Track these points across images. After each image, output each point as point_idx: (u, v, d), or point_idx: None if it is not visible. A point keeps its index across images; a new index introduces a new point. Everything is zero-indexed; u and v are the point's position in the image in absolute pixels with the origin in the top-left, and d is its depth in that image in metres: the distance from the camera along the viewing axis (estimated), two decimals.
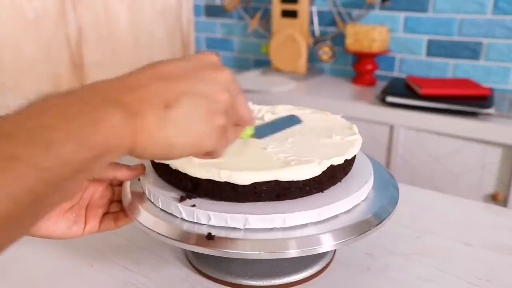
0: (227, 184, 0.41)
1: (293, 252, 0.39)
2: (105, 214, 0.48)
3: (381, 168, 0.54)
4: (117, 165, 0.46)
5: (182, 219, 0.43)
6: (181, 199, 0.43)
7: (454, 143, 1.27)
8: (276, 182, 0.41)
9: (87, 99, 0.29)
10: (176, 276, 0.49)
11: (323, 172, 0.43)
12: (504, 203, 1.22)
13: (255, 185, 0.41)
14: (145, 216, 0.44)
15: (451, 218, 0.62)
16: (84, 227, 0.46)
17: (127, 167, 0.46)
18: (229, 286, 0.47)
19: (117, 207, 0.49)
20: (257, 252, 0.39)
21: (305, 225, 0.41)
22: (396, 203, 0.47)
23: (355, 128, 0.52)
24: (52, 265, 0.52)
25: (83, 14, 1.66)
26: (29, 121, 0.26)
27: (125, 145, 0.30)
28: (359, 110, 1.37)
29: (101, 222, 0.47)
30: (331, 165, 0.44)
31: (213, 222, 0.41)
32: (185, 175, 0.43)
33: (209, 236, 0.40)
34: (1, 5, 1.43)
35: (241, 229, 0.41)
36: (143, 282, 0.49)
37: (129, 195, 0.47)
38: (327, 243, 0.40)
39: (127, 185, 0.49)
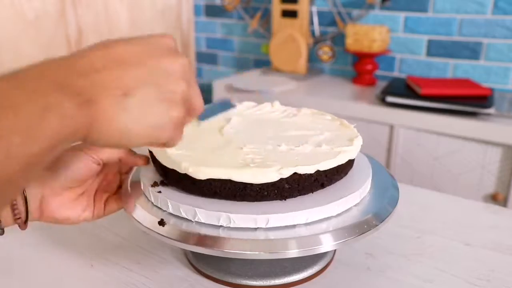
0: (186, 176, 0.42)
1: (293, 252, 0.39)
2: (108, 197, 0.50)
3: (381, 168, 0.54)
4: (124, 150, 0.48)
5: (181, 218, 0.43)
6: (153, 185, 0.46)
7: (454, 143, 1.27)
8: (231, 182, 0.42)
9: (35, 85, 0.26)
10: (176, 276, 0.49)
11: (285, 179, 0.42)
12: (504, 203, 1.22)
13: (210, 181, 0.42)
14: (144, 216, 0.44)
15: (451, 218, 0.62)
16: (93, 211, 0.48)
17: (134, 152, 0.49)
18: (229, 286, 0.47)
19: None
20: (257, 252, 0.39)
21: (305, 225, 0.41)
22: (396, 203, 0.47)
23: (356, 141, 0.49)
24: (52, 265, 0.52)
25: (83, 14, 1.66)
26: None
27: (79, 134, 0.28)
28: (359, 110, 1.37)
29: (105, 205, 0.50)
30: (295, 173, 0.42)
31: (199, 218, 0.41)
32: (158, 162, 0.45)
33: (161, 222, 0.42)
34: (1, 5, 1.43)
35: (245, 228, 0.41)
36: (143, 282, 0.49)
37: (129, 189, 0.48)
38: (327, 243, 0.40)
39: (128, 181, 0.50)
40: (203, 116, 0.42)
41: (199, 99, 0.37)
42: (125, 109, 0.30)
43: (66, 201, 0.46)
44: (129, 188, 0.49)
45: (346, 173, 0.48)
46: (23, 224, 0.45)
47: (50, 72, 0.28)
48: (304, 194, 0.44)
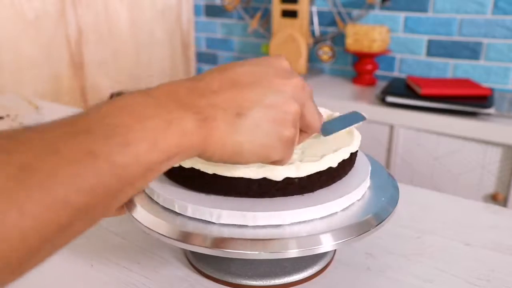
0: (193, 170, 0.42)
1: (293, 252, 0.39)
2: None
3: (381, 168, 0.54)
4: None
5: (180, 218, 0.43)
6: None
7: (454, 143, 1.27)
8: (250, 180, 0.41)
9: (162, 102, 0.30)
10: (176, 276, 0.49)
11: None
12: (504, 203, 1.22)
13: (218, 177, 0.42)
14: (144, 216, 0.44)
15: (451, 218, 0.62)
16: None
17: None
18: (229, 286, 0.47)
19: None
20: (257, 252, 0.39)
21: (305, 224, 0.41)
22: (396, 203, 0.47)
23: (354, 142, 0.48)
24: (52, 265, 0.52)
25: (83, 14, 1.66)
26: (107, 119, 0.27)
27: (195, 149, 0.31)
28: (359, 110, 1.36)
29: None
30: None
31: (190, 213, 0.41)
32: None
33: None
34: (1, 5, 1.43)
35: (246, 226, 0.41)
36: (143, 282, 0.49)
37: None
38: (327, 243, 0.40)
39: None
40: (327, 130, 0.43)
41: (315, 117, 0.38)
42: (238, 128, 0.32)
43: None
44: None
45: (350, 167, 0.48)
46: None
47: (177, 92, 0.31)
48: (307, 192, 0.44)
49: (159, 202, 0.45)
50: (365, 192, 0.48)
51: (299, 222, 0.42)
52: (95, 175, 0.25)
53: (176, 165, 0.42)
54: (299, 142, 0.39)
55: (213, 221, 0.41)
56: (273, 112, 0.33)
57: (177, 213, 0.43)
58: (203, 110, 0.31)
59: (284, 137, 0.34)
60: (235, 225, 0.41)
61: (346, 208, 0.44)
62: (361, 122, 0.47)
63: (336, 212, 0.43)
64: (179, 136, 0.29)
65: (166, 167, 0.30)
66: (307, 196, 0.44)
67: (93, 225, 0.29)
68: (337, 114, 0.53)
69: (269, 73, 0.35)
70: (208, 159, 0.33)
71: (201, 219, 0.42)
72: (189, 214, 0.42)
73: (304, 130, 0.39)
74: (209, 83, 0.33)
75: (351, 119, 0.47)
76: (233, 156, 0.33)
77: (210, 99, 0.32)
